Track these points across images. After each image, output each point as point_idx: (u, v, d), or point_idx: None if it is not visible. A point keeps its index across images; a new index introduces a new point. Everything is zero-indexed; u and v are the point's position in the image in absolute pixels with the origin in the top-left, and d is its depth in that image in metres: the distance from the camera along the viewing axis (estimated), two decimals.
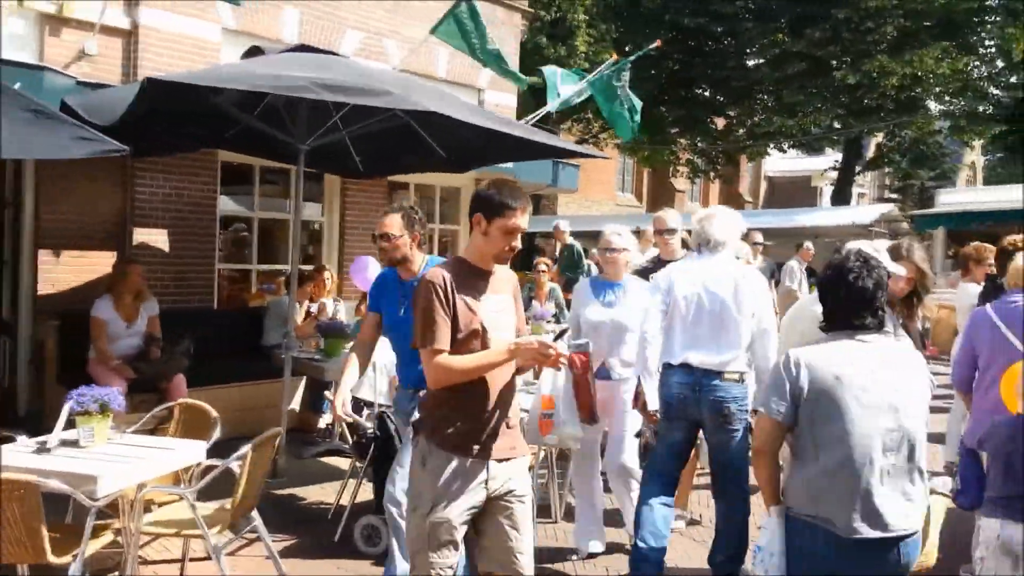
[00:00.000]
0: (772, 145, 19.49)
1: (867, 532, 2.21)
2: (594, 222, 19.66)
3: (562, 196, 25.12)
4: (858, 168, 19.85)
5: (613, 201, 28.90)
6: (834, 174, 21.17)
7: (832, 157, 21.72)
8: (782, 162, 34.41)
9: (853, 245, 2.89)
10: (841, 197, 19.47)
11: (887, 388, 2.27)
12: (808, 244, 11.31)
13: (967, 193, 19.18)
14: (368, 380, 4.14)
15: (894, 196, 29.63)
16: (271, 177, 7.44)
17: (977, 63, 17.03)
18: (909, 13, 14.76)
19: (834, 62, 15.82)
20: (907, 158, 19.28)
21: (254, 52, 5.41)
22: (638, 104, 9.02)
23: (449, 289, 2.35)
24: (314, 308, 6.37)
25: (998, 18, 15.58)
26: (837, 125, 17.04)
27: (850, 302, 2.35)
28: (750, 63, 17.06)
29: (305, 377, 6.00)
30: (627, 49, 17.07)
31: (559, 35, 14.78)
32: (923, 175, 26.12)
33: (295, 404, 6.06)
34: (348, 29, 7.59)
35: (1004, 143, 25.21)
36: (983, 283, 5.79)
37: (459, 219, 9.16)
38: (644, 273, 4.24)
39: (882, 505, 2.21)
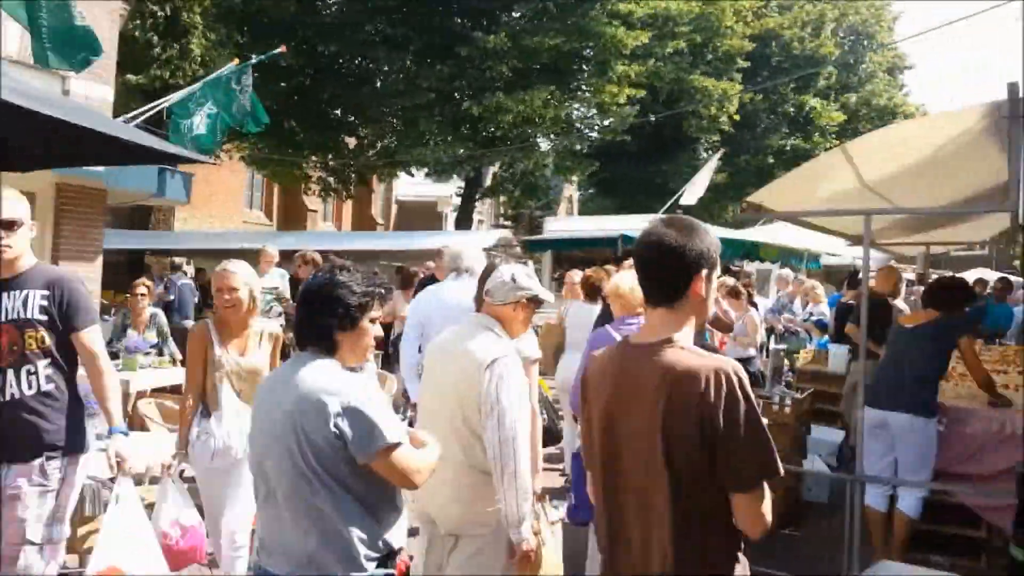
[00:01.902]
0: (404, 170, 19.93)
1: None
2: (221, 239, 18.18)
3: (181, 210, 22.88)
4: (478, 195, 21.16)
5: (240, 217, 27.24)
6: (458, 200, 22.34)
7: (456, 184, 22.96)
8: (411, 187, 35.67)
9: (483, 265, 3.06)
10: (464, 222, 20.61)
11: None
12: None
13: (568, 221, 21.64)
14: None
15: (508, 223, 32.43)
16: None
17: (577, 107, 19.31)
18: (523, 54, 16.15)
19: (458, 95, 16.69)
20: (519, 188, 21.08)
21: None
22: (262, 114, 8.36)
23: None
24: None
25: (591, 67, 17.81)
26: (462, 152, 17.99)
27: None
28: (381, 88, 17.23)
29: None
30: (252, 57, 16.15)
31: (173, 34, 13.33)
32: (532, 205, 28.96)
33: None
34: None
35: (595, 180, 29.14)
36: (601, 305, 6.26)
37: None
38: None
39: None
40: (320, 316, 2.33)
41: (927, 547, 4.70)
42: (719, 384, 1.87)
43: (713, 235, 2.08)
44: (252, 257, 10.19)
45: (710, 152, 22.34)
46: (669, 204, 14.83)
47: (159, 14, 12.83)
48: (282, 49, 9.36)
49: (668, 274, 2.03)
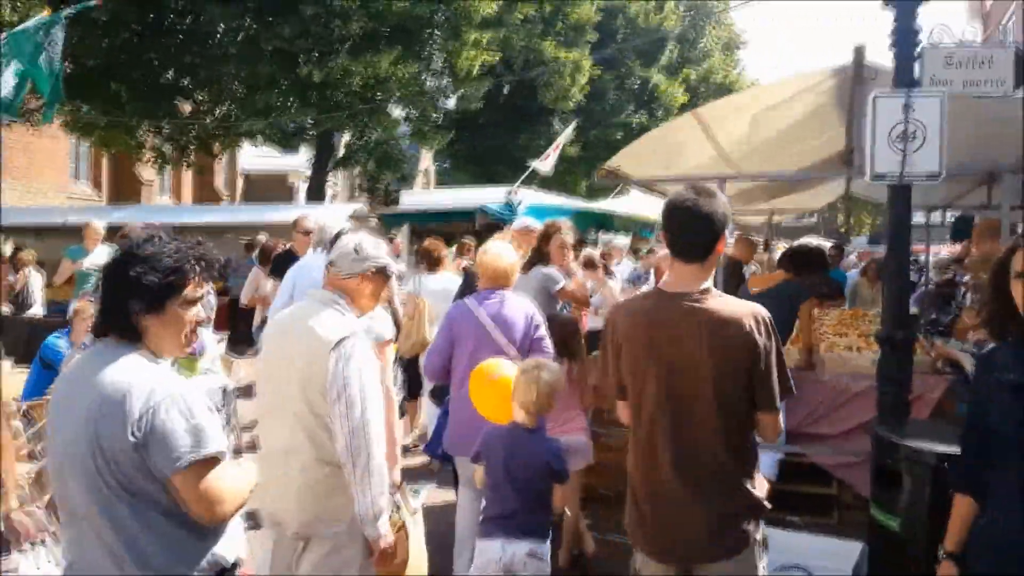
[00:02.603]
0: (245, 140, 18.74)
1: None
2: (43, 214, 16.46)
3: None
4: (330, 166, 20.31)
5: (66, 192, 24.90)
6: (309, 171, 21.39)
7: (307, 156, 21.95)
8: (258, 159, 33.96)
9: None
10: (316, 195, 19.74)
11: None
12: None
13: (425, 194, 21.24)
14: None
15: (366, 197, 31.58)
16: None
17: (429, 74, 18.82)
18: (372, 15, 15.43)
19: (302, 57, 15.76)
20: (372, 158, 20.41)
21: None
22: (57, 70, 7.38)
23: None
24: None
25: (443, 31, 17.36)
26: (310, 121, 17.06)
27: None
28: (218, 49, 15.98)
29: None
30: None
31: None
32: (388, 177, 28.27)
33: None
34: None
35: (452, 151, 28.80)
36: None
37: None
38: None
39: None
40: (120, 297, 1.93)
41: (783, 507, 4.86)
42: (759, 324, 2.41)
43: (726, 201, 2.50)
44: (78, 234, 9.28)
45: (563, 124, 22.57)
46: (524, 175, 14.81)
47: None
48: (97, 3, 8.33)
49: (700, 236, 2.46)
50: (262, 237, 10.72)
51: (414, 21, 16.44)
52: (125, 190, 26.49)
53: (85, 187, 26.44)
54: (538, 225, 6.12)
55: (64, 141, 23.48)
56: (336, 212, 15.17)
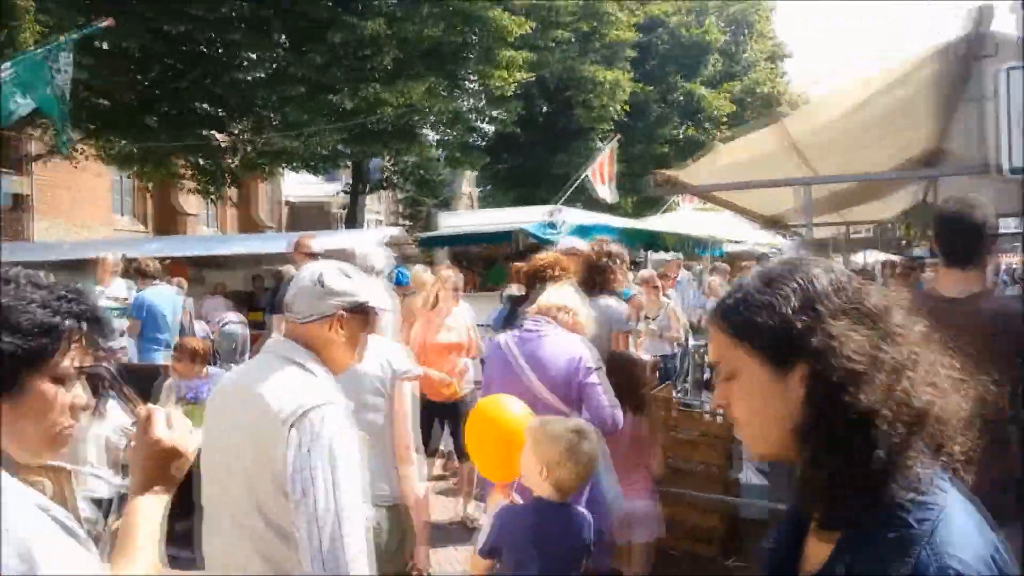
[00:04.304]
0: (284, 166, 18.50)
1: None
2: (81, 249, 16.36)
3: (42, 219, 20.79)
4: (365, 192, 19.97)
5: (111, 225, 25.05)
6: (346, 198, 21.09)
7: (345, 182, 21.70)
8: (299, 187, 34.03)
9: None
10: (353, 221, 19.37)
11: None
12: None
13: (463, 216, 20.69)
14: None
15: (405, 222, 31.32)
16: None
17: (465, 97, 18.37)
18: (402, 43, 15.05)
19: (336, 86, 15.45)
20: (410, 183, 20.01)
21: None
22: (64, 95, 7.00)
23: None
24: None
25: (476, 54, 16.92)
26: (342, 148, 16.72)
27: None
28: (248, 78, 15.76)
29: None
30: (100, 45, 14.38)
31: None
32: (429, 202, 27.89)
33: None
34: None
35: (491, 173, 28.37)
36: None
37: None
38: None
39: None
40: None
41: None
42: None
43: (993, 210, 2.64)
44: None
45: (605, 141, 21.91)
46: (566, 194, 14.15)
47: None
48: (110, 22, 7.95)
49: (974, 243, 2.65)
50: (289, 267, 10.20)
51: (446, 46, 16.05)
52: (169, 222, 26.60)
53: (129, 221, 26.60)
54: (584, 245, 5.47)
55: (106, 177, 23.63)
56: (367, 237, 14.72)
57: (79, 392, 1.35)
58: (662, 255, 13.74)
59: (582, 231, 11.15)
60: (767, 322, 1.16)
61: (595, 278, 4.32)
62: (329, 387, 1.97)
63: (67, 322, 1.33)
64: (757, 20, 34.39)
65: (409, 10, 15.83)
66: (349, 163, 18.07)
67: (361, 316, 2.11)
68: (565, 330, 3.27)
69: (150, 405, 1.61)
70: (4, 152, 14.28)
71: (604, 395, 3.20)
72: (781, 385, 1.15)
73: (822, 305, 1.15)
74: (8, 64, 6.80)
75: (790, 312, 1.15)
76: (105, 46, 14.68)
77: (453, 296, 5.14)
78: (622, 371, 3.57)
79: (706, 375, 6.62)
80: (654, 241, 13.67)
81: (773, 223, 5.94)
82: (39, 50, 7.01)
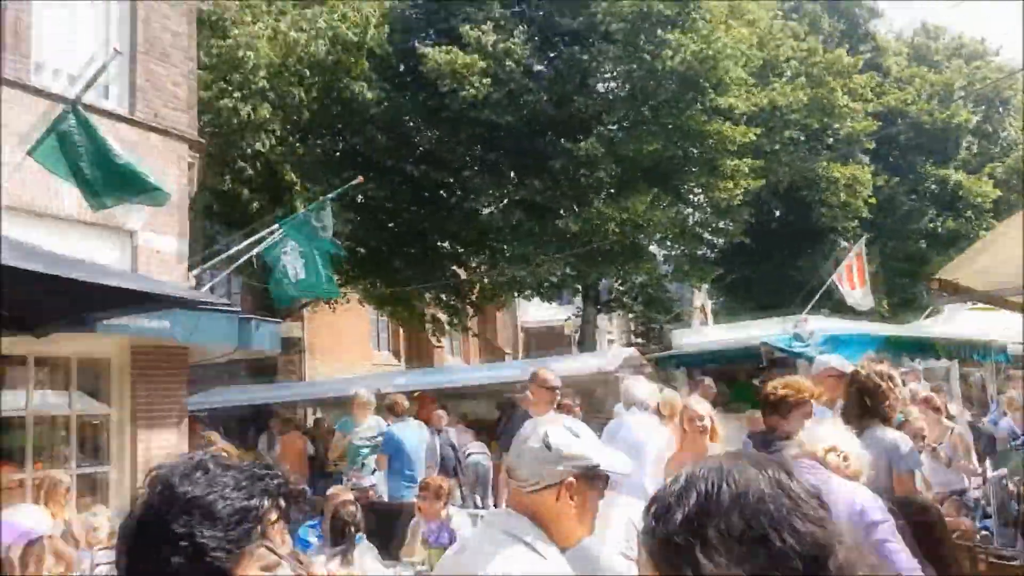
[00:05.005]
0: (517, 295, 19.25)
1: None
2: (347, 385, 17.84)
3: (312, 358, 23.18)
4: (597, 313, 20.06)
5: (370, 360, 27.32)
6: (579, 321, 21.31)
7: (576, 305, 22.04)
8: (535, 312, 35.13)
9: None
10: (587, 343, 19.43)
11: None
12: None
13: (699, 332, 19.95)
14: None
15: (639, 340, 30.98)
16: None
17: (690, 210, 18.14)
18: (620, 160, 15.31)
19: (561, 211, 16.01)
20: (640, 302, 19.80)
21: None
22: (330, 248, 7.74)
23: None
24: None
25: (699, 166, 16.74)
26: (570, 272, 17.08)
27: None
28: (481, 213, 16.91)
29: None
30: (355, 199, 16.16)
31: (271, 190, 13.44)
32: (661, 318, 27.43)
33: None
34: None
35: (726, 284, 27.42)
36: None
37: (109, 398, 7.04)
38: None
39: None
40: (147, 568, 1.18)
41: None
42: None
43: None
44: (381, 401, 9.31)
45: (852, 242, 20.33)
46: (812, 302, 13.15)
47: (246, 171, 12.95)
48: (360, 180, 8.82)
49: None
50: (521, 397, 10.23)
51: (667, 162, 16.08)
52: (420, 355, 28.48)
53: (386, 356, 28.87)
54: (843, 363, 4.83)
55: (365, 316, 25.99)
56: (603, 359, 14.53)
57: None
58: (932, 363, 12.10)
59: (834, 342, 10.16)
60: (656, 525, 1.02)
61: (864, 405, 3.69)
62: (560, 570, 1.69)
63: (265, 502, 1.21)
64: (1012, 95, 31.10)
65: (626, 129, 16.17)
66: (578, 284, 18.38)
67: (594, 481, 1.83)
68: (838, 476, 2.75)
69: None
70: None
71: (902, 554, 2.58)
72: None
73: (712, 527, 0.94)
74: (279, 227, 7.73)
75: (675, 521, 0.98)
76: (360, 199, 16.53)
77: (700, 434, 4.64)
78: (919, 520, 2.92)
79: (1014, 510, 5.44)
80: (922, 348, 12.10)
81: None
82: (305, 212, 7.90)
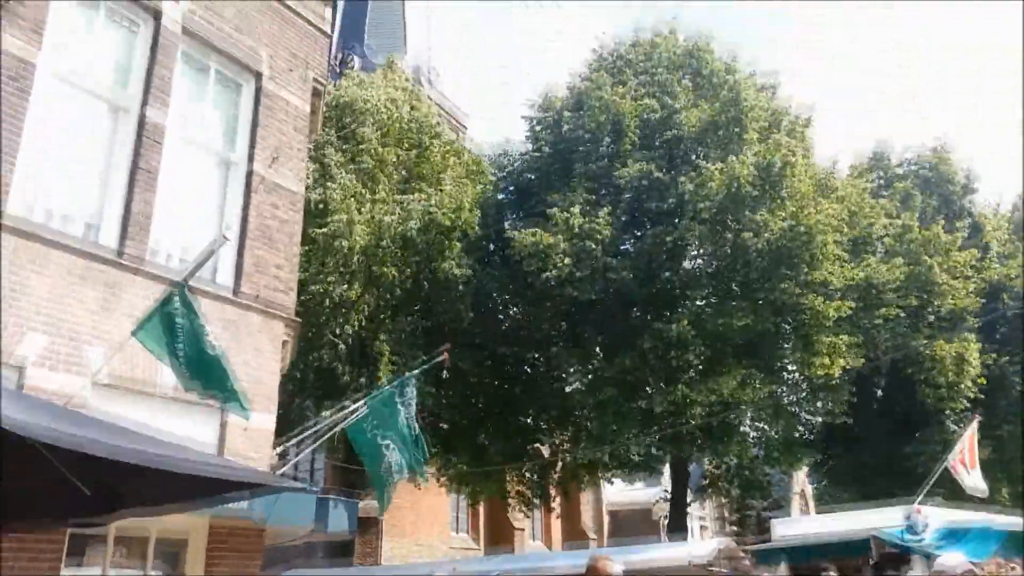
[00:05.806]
0: (601, 475, 18.55)
1: None
2: (424, 568, 17.23)
3: (388, 540, 22.63)
4: (686, 495, 18.98)
5: (447, 543, 26.47)
6: (668, 504, 20.20)
7: (664, 486, 21.01)
8: (621, 494, 33.72)
9: None
10: (677, 528, 18.28)
11: None
12: None
13: (801, 522, 18.50)
14: None
15: (735, 528, 29.03)
16: None
17: (783, 389, 17.39)
18: (708, 336, 15.02)
19: (648, 389, 15.65)
20: (735, 485, 18.67)
21: None
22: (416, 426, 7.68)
23: None
24: None
25: (792, 342, 16.22)
26: (655, 452, 16.43)
27: None
28: (566, 388, 16.69)
29: None
30: (439, 374, 16.27)
31: (360, 363, 13.78)
32: (757, 504, 25.78)
33: None
34: (27, 331, 5.93)
35: (827, 468, 25.74)
36: None
37: None
38: None
39: None
40: None
41: None
42: None
43: None
44: None
45: (961, 424, 18.95)
46: (925, 489, 12.16)
47: (340, 346, 13.34)
48: (445, 356, 8.88)
49: None
50: None
51: (758, 337, 15.68)
52: (500, 537, 27.45)
53: (465, 537, 27.92)
54: (962, 560, 4.41)
55: (444, 496, 25.45)
56: (696, 548, 13.55)
57: None
58: None
59: (952, 536, 9.29)
60: None
61: None
62: None
63: None
64: None
65: (714, 304, 15.96)
66: (665, 465, 17.59)
67: None
68: None
69: None
70: (360, 480, 16.15)
71: None
72: None
73: None
74: (364, 403, 7.77)
75: None
76: (444, 374, 16.67)
77: None
78: None
79: None
80: None
81: None
82: (390, 387, 7.95)
